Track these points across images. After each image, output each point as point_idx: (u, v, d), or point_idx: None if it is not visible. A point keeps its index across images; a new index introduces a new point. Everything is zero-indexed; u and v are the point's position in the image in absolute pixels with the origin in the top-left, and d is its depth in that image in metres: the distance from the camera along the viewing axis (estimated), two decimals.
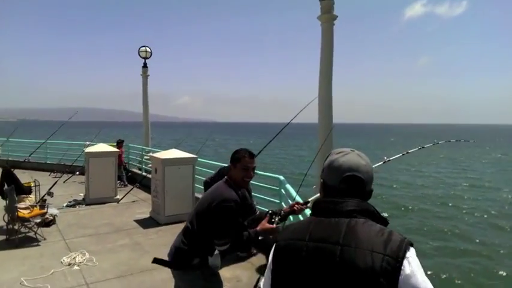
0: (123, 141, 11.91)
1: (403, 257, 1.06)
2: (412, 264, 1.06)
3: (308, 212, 2.99)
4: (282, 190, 5.36)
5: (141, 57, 11.73)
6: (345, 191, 1.26)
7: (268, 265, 1.32)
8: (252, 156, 2.62)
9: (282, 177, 5.47)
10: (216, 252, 2.59)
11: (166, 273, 4.82)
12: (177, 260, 2.55)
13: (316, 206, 1.30)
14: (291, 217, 3.31)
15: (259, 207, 3.56)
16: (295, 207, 2.75)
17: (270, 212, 2.61)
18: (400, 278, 1.05)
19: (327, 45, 5.28)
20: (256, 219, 2.79)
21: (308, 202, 2.82)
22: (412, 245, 1.11)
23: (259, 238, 2.54)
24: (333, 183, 1.30)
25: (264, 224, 2.53)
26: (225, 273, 3.87)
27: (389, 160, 4.08)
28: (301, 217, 3.26)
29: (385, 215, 1.29)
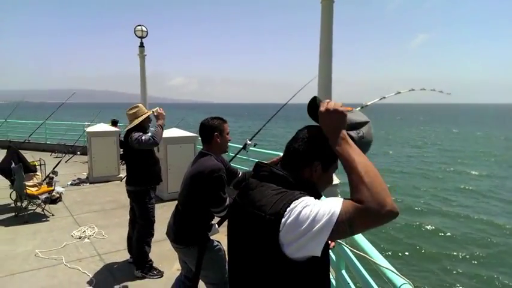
0: (117, 121, 11.96)
1: (284, 211, 1.14)
2: (291, 214, 1.13)
3: None
4: None
5: (137, 36, 11.64)
6: None
7: None
8: (226, 121, 2.85)
9: (282, 154, 5.63)
10: (213, 222, 2.81)
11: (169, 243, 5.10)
12: (178, 238, 2.74)
13: None
14: None
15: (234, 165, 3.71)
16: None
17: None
18: (279, 233, 1.14)
19: (326, 24, 5.38)
20: (240, 181, 2.99)
21: None
22: (299, 198, 1.16)
23: None
24: None
25: None
26: None
27: (367, 105, 4.02)
28: None
29: None
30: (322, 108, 1.26)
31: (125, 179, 8.52)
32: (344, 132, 1.24)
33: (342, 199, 1.13)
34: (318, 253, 1.11)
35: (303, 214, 1.11)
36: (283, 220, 1.13)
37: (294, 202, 1.15)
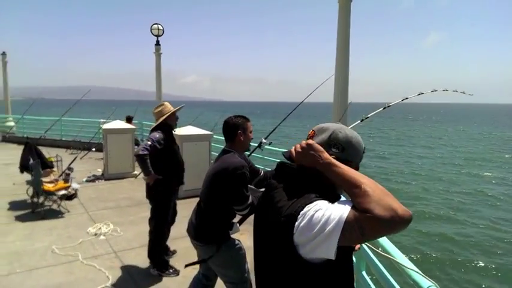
0: (132, 117, 12.05)
1: (298, 214, 1.16)
2: (304, 217, 1.14)
3: None
4: None
5: (153, 34, 11.72)
6: None
7: None
8: (249, 119, 2.86)
9: None
10: (234, 221, 2.79)
11: (188, 242, 5.07)
12: (199, 235, 2.74)
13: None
14: None
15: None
16: None
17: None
18: (293, 235, 1.16)
19: (343, 22, 5.29)
20: (262, 179, 2.96)
21: None
22: (313, 201, 1.17)
23: None
24: (359, 160, 1.40)
25: None
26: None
27: (367, 117, 3.97)
28: None
29: None
30: (293, 155, 1.34)
31: (139, 176, 8.55)
32: (325, 157, 1.24)
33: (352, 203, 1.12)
34: (332, 256, 1.10)
35: (315, 217, 1.12)
36: (296, 223, 1.15)
37: (308, 206, 1.16)
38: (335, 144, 1.35)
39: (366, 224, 1.05)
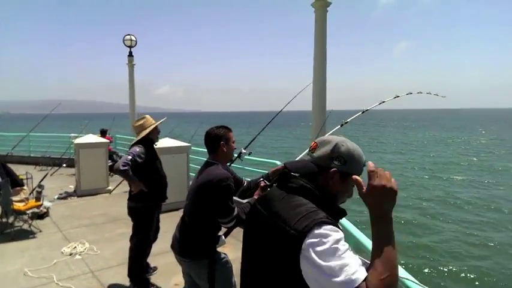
0: (106, 130, 11.79)
1: (307, 232, 1.14)
2: (315, 243, 1.12)
3: None
4: None
5: (126, 45, 11.56)
6: None
7: None
8: (231, 130, 2.80)
9: (278, 162, 5.58)
10: (220, 234, 2.71)
11: (170, 257, 4.91)
12: (184, 250, 2.63)
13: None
14: None
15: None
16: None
17: (262, 179, 2.75)
18: (300, 252, 1.14)
19: (320, 31, 5.36)
20: (245, 190, 2.91)
21: None
22: (326, 224, 1.16)
23: None
24: (359, 174, 1.38)
25: (260, 194, 2.69)
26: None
27: (347, 122, 3.93)
28: None
29: None
30: (376, 183, 1.16)
31: (114, 191, 8.29)
32: (391, 209, 1.18)
33: (364, 270, 1.09)
34: None
35: (332, 257, 1.09)
36: (305, 240, 1.13)
37: (320, 226, 1.14)
38: (337, 157, 1.35)
39: None
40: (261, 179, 2.84)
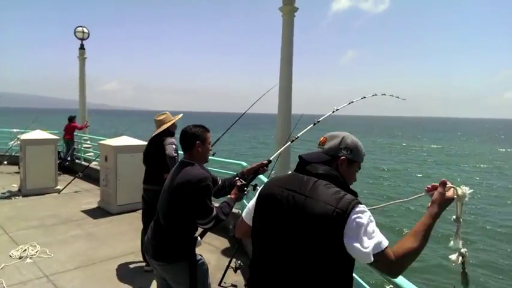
0: (74, 116, 11.25)
1: (351, 211, 1.39)
2: (357, 218, 1.38)
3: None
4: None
5: (77, 38, 10.98)
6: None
7: (253, 201, 1.72)
8: (208, 130, 2.77)
9: (244, 163, 5.58)
10: (196, 235, 2.66)
11: (133, 258, 4.74)
12: (160, 254, 2.53)
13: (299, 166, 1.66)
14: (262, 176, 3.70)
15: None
16: (260, 170, 2.87)
17: (237, 178, 2.79)
18: (345, 226, 1.38)
19: (287, 35, 5.47)
20: (220, 189, 2.88)
21: (270, 161, 2.94)
22: (360, 204, 1.43)
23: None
24: (361, 160, 1.71)
25: (237, 193, 2.71)
26: None
27: (319, 121, 4.09)
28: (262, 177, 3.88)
29: None
30: (449, 195, 1.60)
31: (63, 191, 7.85)
32: (442, 209, 1.57)
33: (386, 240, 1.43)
34: (361, 261, 1.40)
35: (369, 228, 1.40)
36: (350, 217, 1.37)
37: (358, 206, 1.41)
38: (345, 147, 1.64)
39: (383, 266, 1.44)
40: (237, 178, 2.83)
